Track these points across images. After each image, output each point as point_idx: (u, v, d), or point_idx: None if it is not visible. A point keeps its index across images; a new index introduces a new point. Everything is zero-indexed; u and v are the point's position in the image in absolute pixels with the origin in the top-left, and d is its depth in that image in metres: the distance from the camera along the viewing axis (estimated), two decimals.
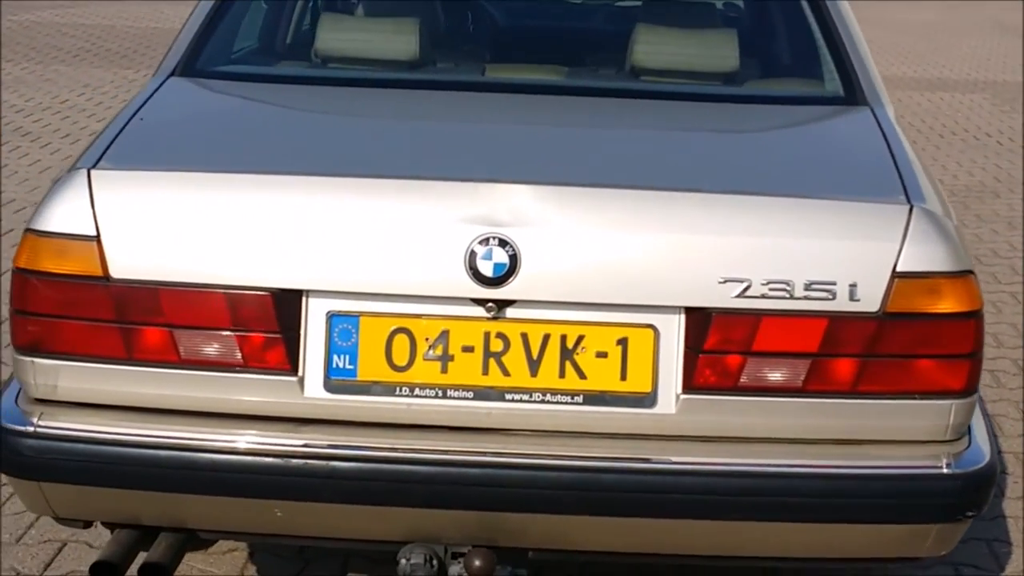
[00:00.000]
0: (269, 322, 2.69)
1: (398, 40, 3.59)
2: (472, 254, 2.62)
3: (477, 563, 2.68)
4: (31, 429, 2.72)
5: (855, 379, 2.66)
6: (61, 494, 2.78)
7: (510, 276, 2.63)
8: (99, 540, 3.73)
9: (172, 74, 3.42)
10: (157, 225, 2.71)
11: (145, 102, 3.19)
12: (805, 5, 3.68)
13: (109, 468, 2.72)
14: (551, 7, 4.82)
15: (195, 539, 2.96)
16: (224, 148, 3.00)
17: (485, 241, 2.62)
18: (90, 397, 2.76)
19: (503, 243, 2.62)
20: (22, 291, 2.75)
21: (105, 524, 2.98)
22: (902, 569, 3.57)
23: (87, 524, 2.96)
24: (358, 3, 4.43)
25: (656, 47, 3.61)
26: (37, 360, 2.75)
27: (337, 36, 3.63)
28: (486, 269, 2.62)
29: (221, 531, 2.91)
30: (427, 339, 2.68)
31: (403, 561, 2.77)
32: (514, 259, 2.62)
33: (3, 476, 2.95)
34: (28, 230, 2.75)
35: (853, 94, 3.39)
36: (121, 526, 2.92)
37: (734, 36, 3.66)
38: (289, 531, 2.80)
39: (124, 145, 2.89)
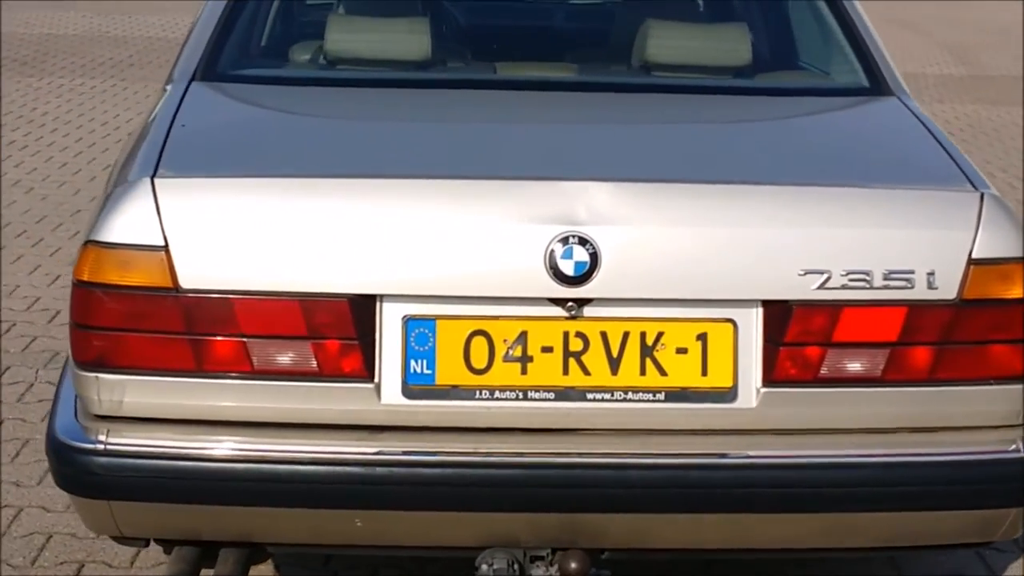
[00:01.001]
0: (344, 329, 2.65)
1: (411, 40, 3.55)
2: (552, 253, 2.60)
3: (573, 565, 2.66)
4: (100, 447, 2.64)
5: (932, 367, 2.68)
6: (131, 512, 2.71)
7: (591, 275, 2.61)
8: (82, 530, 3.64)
9: (193, 79, 3.34)
10: (226, 233, 2.65)
11: (178, 109, 3.12)
12: None
13: (185, 484, 2.65)
14: (542, 5, 4.80)
15: (258, 552, 2.90)
16: (282, 152, 2.94)
17: (565, 240, 2.60)
18: (158, 412, 2.69)
19: (583, 241, 2.60)
20: (85, 305, 2.67)
21: (160, 542, 2.90)
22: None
23: (149, 543, 2.88)
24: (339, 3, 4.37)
25: (670, 42, 3.61)
26: (102, 375, 2.67)
27: (349, 37, 3.58)
28: (567, 268, 2.60)
29: (296, 543, 2.85)
30: (505, 341, 2.65)
31: (484, 567, 2.74)
32: (594, 257, 2.60)
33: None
34: (89, 242, 2.67)
35: (878, 84, 3.43)
36: (182, 543, 2.85)
37: (746, 30, 3.68)
38: (367, 541, 2.75)
39: (177, 153, 2.81)
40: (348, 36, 3.57)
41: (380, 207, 2.66)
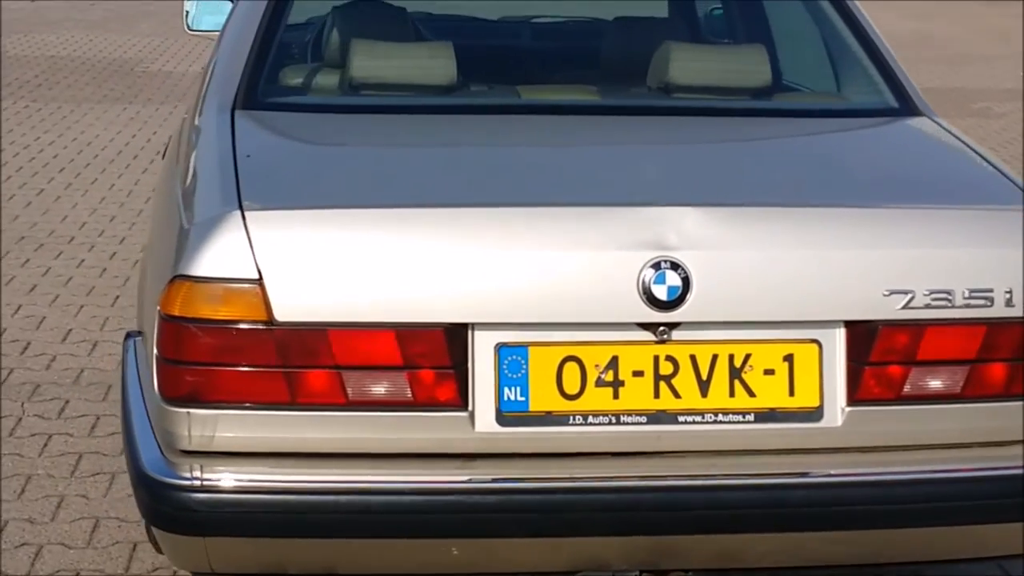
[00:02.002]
0: (439, 358, 2.65)
1: (437, 65, 3.56)
2: (645, 278, 2.64)
3: None
4: (197, 483, 2.62)
5: (1008, 382, 2.76)
6: (225, 548, 2.68)
7: (683, 299, 2.65)
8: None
9: (234, 108, 3.31)
10: (319, 264, 2.64)
11: (233, 139, 3.10)
12: (836, 16, 3.78)
13: (284, 518, 2.64)
14: (544, 25, 4.84)
15: None
16: (362, 183, 2.94)
17: (657, 265, 2.64)
18: (250, 446, 2.67)
19: (675, 266, 2.64)
20: (176, 340, 2.65)
21: None
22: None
23: None
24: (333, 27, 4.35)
25: (694, 63, 3.66)
26: (194, 411, 2.65)
27: (376, 63, 3.57)
28: (660, 293, 2.64)
29: (389, 574, 2.84)
30: (597, 366, 2.68)
31: None
32: (686, 281, 2.64)
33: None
34: (179, 276, 2.64)
35: (906, 104, 3.52)
36: None
37: (764, 51, 3.75)
38: (461, 569, 2.75)
39: (255, 185, 2.80)
40: (374, 62, 3.57)
41: (471, 236, 2.68)
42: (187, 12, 5.33)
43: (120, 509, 3.99)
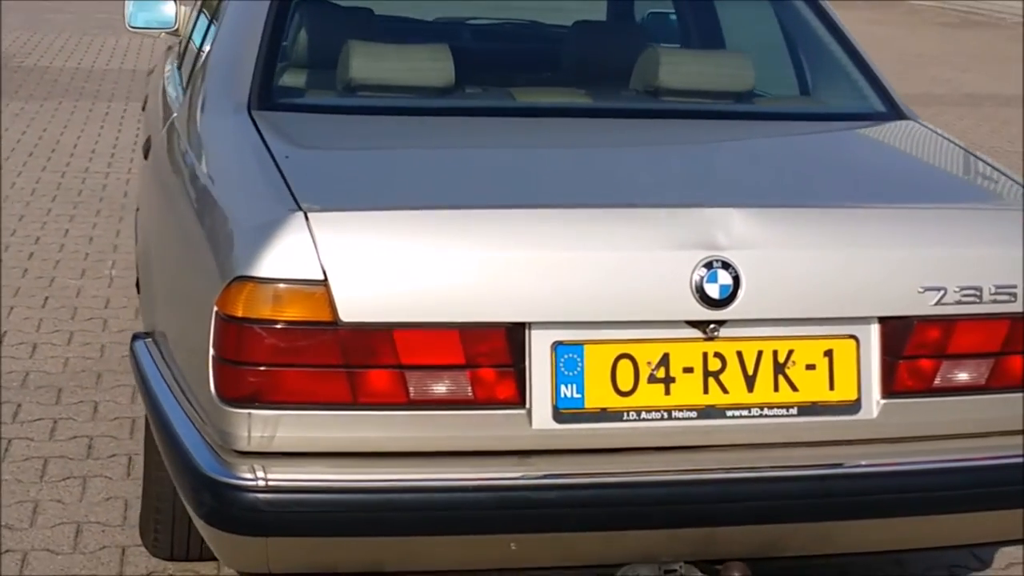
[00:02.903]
0: (499, 356, 2.70)
1: (436, 67, 3.59)
2: (698, 277, 2.71)
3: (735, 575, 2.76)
4: (261, 483, 2.62)
5: None
6: (286, 548, 2.69)
7: (733, 297, 2.73)
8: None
9: (250, 109, 3.30)
10: (382, 264, 2.66)
11: (263, 140, 3.09)
12: (817, 22, 3.90)
13: (347, 517, 2.66)
14: (525, 29, 4.88)
15: None
16: (415, 184, 2.96)
17: (709, 264, 2.71)
18: (310, 446, 2.68)
19: (726, 265, 2.72)
20: (238, 341, 2.64)
21: None
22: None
23: None
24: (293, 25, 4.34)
25: (680, 67, 3.75)
26: (255, 412, 2.65)
27: (375, 65, 3.59)
28: (712, 291, 2.71)
29: (448, 570, 2.87)
30: (649, 363, 2.74)
31: None
32: (736, 280, 2.72)
33: None
34: (240, 277, 2.64)
35: (893, 108, 3.65)
36: None
37: (747, 56, 3.85)
38: (519, 563, 2.80)
39: (307, 186, 2.80)
40: (374, 64, 3.58)
41: (530, 236, 2.73)
42: (128, 11, 5.31)
43: (99, 513, 3.95)
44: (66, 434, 4.48)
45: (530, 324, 2.70)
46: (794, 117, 3.70)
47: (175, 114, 3.83)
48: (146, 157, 4.00)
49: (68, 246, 6.61)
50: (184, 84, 4.08)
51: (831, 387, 2.81)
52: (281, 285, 2.62)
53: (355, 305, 2.63)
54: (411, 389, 2.67)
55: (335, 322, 2.63)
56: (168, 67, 5.15)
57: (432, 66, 3.58)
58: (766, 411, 2.79)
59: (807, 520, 2.81)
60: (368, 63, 3.55)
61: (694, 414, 2.76)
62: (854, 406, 2.82)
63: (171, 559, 3.63)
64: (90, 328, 5.48)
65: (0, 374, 4.93)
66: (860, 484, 2.83)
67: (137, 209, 4.93)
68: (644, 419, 2.74)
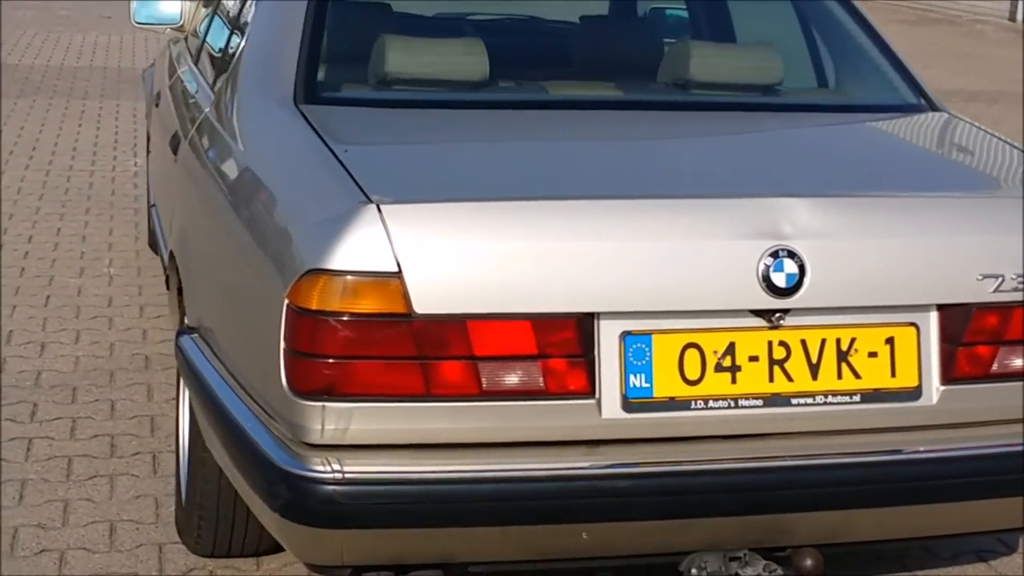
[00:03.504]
0: (570, 347, 2.71)
1: (471, 61, 3.60)
2: (765, 267, 2.74)
3: (809, 563, 2.79)
4: (339, 475, 2.62)
5: None
6: (361, 541, 2.69)
7: (798, 286, 2.75)
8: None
9: (296, 103, 3.30)
10: (456, 256, 2.67)
11: (317, 134, 3.09)
12: (847, 16, 3.94)
13: (424, 508, 2.67)
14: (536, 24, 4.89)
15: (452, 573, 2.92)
16: (481, 176, 2.97)
17: (775, 254, 2.74)
18: (382, 438, 2.69)
19: (791, 254, 2.74)
20: (312, 334, 2.65)
21: (358, 569, 2.87)
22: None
23: (357, 572, 2.84)
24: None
25: (711, 60, 3.77)
26: (329, 404, 2.65)
27: (412, 59, 3.59)
28: (779, 280, 2.74)
29: (518, 560, 2.88)
30: (715, 352, 2.77)
31: (694, 570, 2.84)
32: (802, 269, 2.75)
33: None
34: (315, 270, 2.64)
35: (927, 99, 3.69)
36: (395, 568, 2.84)
37: (774, 49, 3.89)
38: (588, 553, 2.82)
39: (373, 178, 2.80)
40: (410, 58, 3.58)
41: (600, 226, 2.74)
42: (133, 7, 5.32)
43: (131, 512, 3.93)
44: (87, 433, 4.45)
45: (599, 314, 2.72)
46: (832, 109, 3.73)
47: (206, 110, 3.82)
48: (175, 154, 3.98)
49: (62, 245, 6.56)
50: (211, 80, 4.07)
51: (892, 374, 2.84)
52: (356, 277, 2.63)
53: (429, 297, 2.64)
54: (483, 380, 2.68)
55: (409, 314, 2.64)
56: (177, 64, 5.14)
57: (467, 60, 3.59)
58: (830, 398, 2.81)
59: (870, 506, 2.84)
60: (405, 57, 3.55)
61: (760, 402, 2.78)
62: (915, 392, 2.85)
63: (211, 556, 3.61)
64: (96, 327, 5.44)
65: (12, 373, 4.88)
66: (922, 470, 2.87)
67: (152, 205, 4.92)
68: (711, 407, 2.77)
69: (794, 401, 2.80)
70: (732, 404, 2.78)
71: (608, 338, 2.72)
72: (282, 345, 2.68)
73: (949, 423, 2.89)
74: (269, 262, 2.83)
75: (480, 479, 2.67)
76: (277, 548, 3.65)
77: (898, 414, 2.85)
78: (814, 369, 2.81)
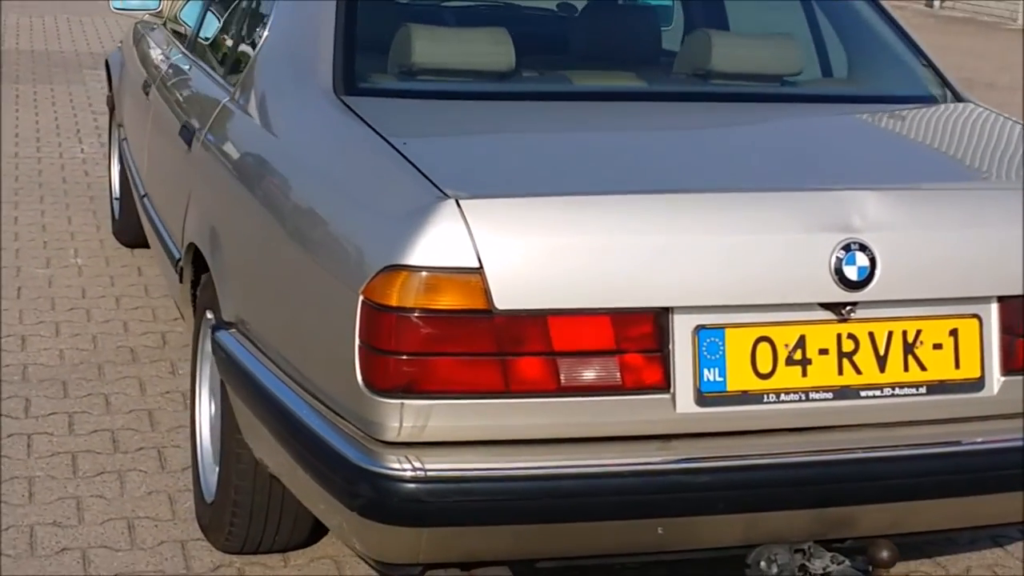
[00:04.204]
0: (647, 341, 2.70)
1: (498, 51, 3.56)
2: (838, 260, 2.74)
3: (885, 554, 2.80)
4: (421, 473, 2.59)
5: None
6: (440, 538, 2.66)
7: (869, 279, 2.76)
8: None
9: (338, 94, 3.24)
10: (536, 251, 2.65)
11: (370, 126, 3.04)
12: (870, 7, 3.96)
13: (505, 505, 2.64)
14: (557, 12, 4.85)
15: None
16: (549, 169, 2.94)
17: (847, 247, 2.75)
18: (459, 435, 2.66)
19: (862, 247, 2.75)
20: (392, 330, 2.61)
21: (431, 566, 2.84)
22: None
23: (424, 570, 2.80)
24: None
25: (735, 50, 3.77)
26: (408, 401, 2.62)
27: (439, 48, 3.54)
28: (851, 273, 2.75)
29: (591, 556, 2.86)
30: (787, 345, 2.77)
31: (763, 564, 2.84)
32: (873, 262, 2.76)
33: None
34: (394, 266, 2.60)
35: (952, 90, 3.72)
36: (452, 566, 2.82)
37: (797, 40, 3.90)
38: (662, 547, 2.81)
39: (444, 172, 2.76)
40: (438, 47, 3.53)
41: (675, 220, 2.73)
42: None
43: (146, 508, 3.86)
44: (85, 428, 4.36)
45: (673, 308, 2.71)
46: (866, 100, 3.73)
47: (224, 101, 3.74)
48: (188, 145, 3.89)
49: (23, 234, 6.43)
50: (222, 70, 4.00)
51: (956, 365, 2.86)
52: (437, 273, 2.59)
53: (510, 292, 2.61)
54: (562, 375, 2.66)
55: (490, 310, 2.61)
56: (161, 51, 5.05)
57: (494, 50, 3.55)
58: (897, 390, 2.83)
59: (935, 497, 2.86)
60: (432, 47, 3.50)
61: (830, 395, 2.79)
62: (978, 383, 2.87)
63: (240, 552, 3.56)
64: (74, 319, 5.34)
65: None
66: (985, 460, 2.89)
67: (144, 196, 4.82)
68: (783, 401, 2.77)
69: (863, 393, 2.81)
70: (803, 397, 2.78)
71: (682, 332, 2.71)
72: (356, 342, 2.64)
73: (1009, 413, 2.91)
74: (337, 257, 2.78)
75: (562, 475, 2.65)
76: (304, 544, 3.61)
77: (962, 405, 2.87)
78: (881, 361, 2.82)
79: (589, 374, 2.67)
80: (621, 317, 2.67)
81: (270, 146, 3.32)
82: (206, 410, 3.77)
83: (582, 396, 2.68)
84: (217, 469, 3.60)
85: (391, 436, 2.63)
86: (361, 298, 2.63)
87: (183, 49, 4.71)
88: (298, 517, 3.43)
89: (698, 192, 2.81)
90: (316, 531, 3.58)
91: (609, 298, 2.66)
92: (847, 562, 2.86)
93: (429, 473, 2.59)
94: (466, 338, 2.62)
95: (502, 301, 2.61)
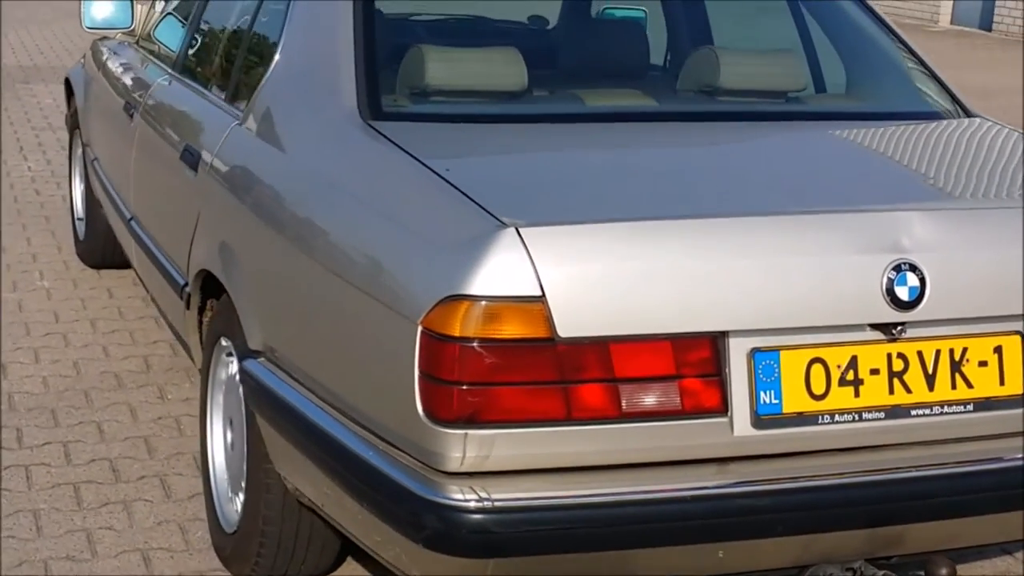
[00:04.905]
0: (705, 366, 2.70)
1: (511, 71, 3.55)
2: (889, 281, 2.76)
3: (944, 572, 2.82)
4: (488, 504, 2.57)
5: None
6: (506, 569, 2.64)
7: (920, 299, 2.78)
8: None
9: (364, 119, 3.21)
10: (597, 278, 2.64)
11: (407, 152, 3.01)
12: (875, 25, 3.99)
13: (570, 533, 2.63)
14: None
15: None
16: (599, 194, 2.92)
17: (897, 267, 2.76)
18: (521, 463, 2.64)
19: (912, 267, 2.77)
20: (455, 360, 2.58)
21: None
22: None
23: None
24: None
25: (742, 68, 3.78)
26: (471, 431, 2.60)
27: (452, 69, 3.52)
28: (903, 294, 2.77)
29: None
30: (839, 366, 2.78)
31: None
32: (923, 282, 2.78)
33: None
34: (456, 296, 2.58)
35: (961, 106, 3.76)
36: None
37: (799, 54, 3.92)
38: (721, 570, 2.80)
39: (497, 200, 2.74)
40: (451, 69, 3.51)
41: (730, 243, 2.73)
42: (84, 11, 5.17)
43: (158, 539, 3.80)
44: (83, 458, 4.28)
45: (729, 332, 2.71)
46: (885, 117, 3.75)
47: (233, 124, 3.69)
48: (194, 170, 3.83)
49: None
50: (220, 92, 3.95)
51: (1001, 382, 2.89)
52: (500, 302, 2.57)
53: (572, 320, 2.60)
54: (623, 402, 2.65)
55: (552, 338, 2.59)
56: (139, 71, 4.98)
57: (507, 70, 3.53)
58: (945, 408, 2.85)
59: (984, 513, 2.89)
60: (445, 68, 3.48)
61: (882, 414, 2.80)
62: (1021, 399, 2.90)
63: None
64: (52, 344, 5.25)
65: None
66: None
67: (131, 219, 4.74)
68: (836, 421, 2.78)
69: (913, 412, 2.83)
70: (856, 417, 2.79)
71: (738, 355, 2.71)
72: (416, 372, 2.61)
73: None
74: (390, 287, 2.75)
75: (628, 502, 2.64)
76: (330, 569, 3.57)
77: (1007, 421, 2.90)
78: (930, 380, 2.84)
79: (649, 400, 2.67)
80: (680, 342, 2.67)
81: (296, 173, 3.27)
82: (219, 439, 3.72)
83: (642, 422, 2.67)
84: (236, 499, 3.56)
85: (453, 466, 2.61)
86: (420, 328, 2.61)
87: (169, 70, 4.64)
88: (326, 545, 3.40)
89: (753, 216, 2.81)
90: (341, 556, 3.54)
91: (668, 323, 2.66)
92: None
93: (496, 503, 2.57)
94: (529, 367, 2.60)
95: (565, 329, 2.60)
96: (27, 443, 4.37)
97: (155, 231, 4.39)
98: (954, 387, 2.85)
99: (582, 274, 2.63)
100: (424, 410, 2.61)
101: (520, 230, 2.61)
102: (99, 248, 6.09)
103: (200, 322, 3.87)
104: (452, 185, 2.82)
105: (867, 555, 2.90)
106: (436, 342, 2.59)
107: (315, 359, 3.02)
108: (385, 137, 3.11)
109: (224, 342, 3.58)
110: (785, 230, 2.79)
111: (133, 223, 4.67)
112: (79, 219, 6.31)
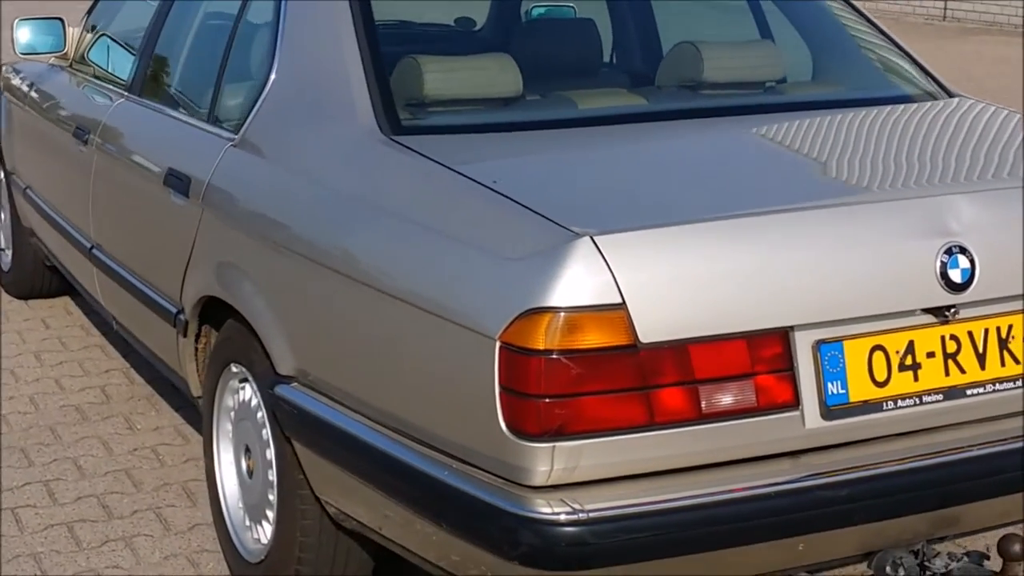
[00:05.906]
0: (777, 361, 2.71)
1: (506, 77, 3.53)
2: (942, 264, 2.80)
3: (1017, 548, 2.86)
4: (583, 516, 2.55)
5: None
6: None
7: (971, 280, 2.83)
8: None
9: (388, 134, 3.16)
10: (671, 281, 2.64)
11: (444, 165, 2.97)
12: (848, 10, 4.04)
13: (664, 539, 2.62)
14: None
15: None
16: (660, 196, 2.91)
17: (949, 251, 2.81)
18: (606, 472, 2.63)
19: (962, 250, 2.82)
20: (539, 373, 2.56)
21: None
22: None
23: None
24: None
25: (726, 61, 3.80)
26: (559, 444, 2.58)
27: (449, 78, 3.49)
28: (956, 277, 2.81)
29: None
30: (897, 352, 2.82)
31: (888, 569, 2.88)
32: (973, 264, 2.83)
33: None
34: (534, 309, 2.56)
35: (943, 87, 3.83)
36: None
37: (777, 44, 3.96)
38: (795, 563, 2.82)
39: (561, 209, 2.72)
40: (448, 76, 3.48)
41: (792, 237, 2.75)
42: (16, 37, 5.03)
43: (171, 574, 3.70)
44: (68, 496, 4.16)
45: (793, 326, 2.73)
46: (885, 102, 3.78)
47: (228, 147, 3.61)
48: (186, 196, 3.73)
49: None
50: (199, 113, 3.86)
51: None
52: (581, 312, 2.56)
53: (652, 325, 2.60)
54: (703, 403, 2.65)
55: (635, 344, 2.58)
56: (87, 94, 4.85)
57: (504, 77, 3.51)
58: (997, 385, 2.90)
59: None
60: (443, 77, 3.44)
61: (940, 396, 2.85)
62: None
63: None
64: (4, 380, 5.08)
65: None
66: None
67: (92, 248, 4.61)
68: (899, 407, 2.81)
69: (968, 392, 2.87)
70: (917, 401, 2.83)
71: (804, 348, 2.73)
72: (496, 387, 2.58)
73: None
74: (459, 304, 2.70)
75: (716, 503, 2.64)
76: None
77: None
78: (981, 359, 2.88)
79: (728, 399, 2.67)
80: (753, 340, 2.68)
81: (320, 194, 3.19)
82: (229, 467, 3.64)
83: (721, 421, 2.67)
84: (256, 527, 3.49)
85: (539, 480, 2.59)
86: (499, 343, 2.58)
87: (123, 92, 4.52)
88: (361, 567, 3.35)
89: (811, 208, 2.83)
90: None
91: (740, 322, 2.67)
92: (965, 559, 2.91)
93: (591, 515, 2.55)
94: (612, 375, 2.59)
95: (646, 334, 2.59)
96: (7, 485, 4.23)
97: (130, 259, 4.27)
98: (1003, 364, 2.91)
99: (658, 278, 2.62)
100: (508, 425, 2.58)
101: (595, 238, 2.59)
102: (27, 278, 5.92)
103: (197, 349, 3.78)
104: (506, 197, 2.79)
105: (929, 536, 2.93)
106: (517, 356, 2.56)
107: (364, 381, 2.96)
108: (417, 152, 3.06)
109: (235, 368, 3.50)
110: (842, 221, 2.81)
111: (96, 252, 4.54)
112: (2, 249, 6.12)
